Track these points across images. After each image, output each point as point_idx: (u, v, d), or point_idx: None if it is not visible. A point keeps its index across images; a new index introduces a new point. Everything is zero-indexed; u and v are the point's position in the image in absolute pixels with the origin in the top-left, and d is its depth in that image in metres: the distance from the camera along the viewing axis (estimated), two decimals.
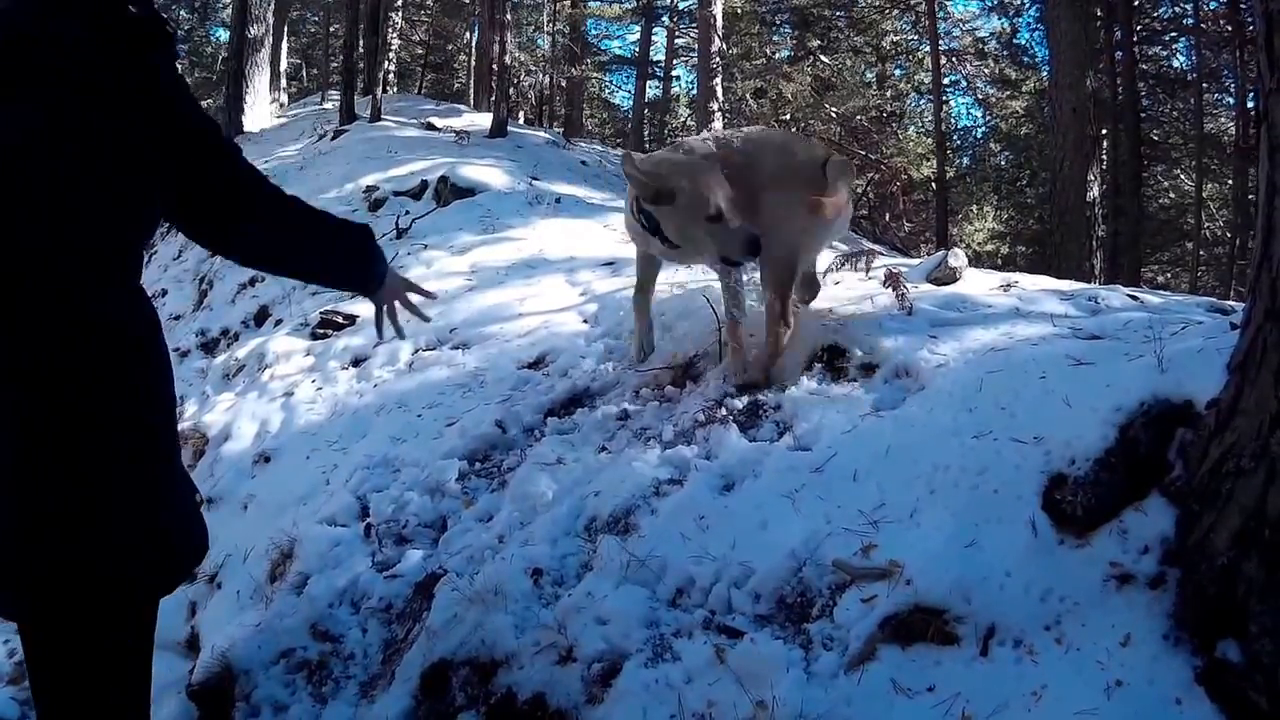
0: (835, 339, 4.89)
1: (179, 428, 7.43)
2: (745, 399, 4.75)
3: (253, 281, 10.90)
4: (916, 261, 6.38)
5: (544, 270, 8.22)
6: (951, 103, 24.36)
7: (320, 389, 7.15)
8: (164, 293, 12.80)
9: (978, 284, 5.57)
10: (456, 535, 4.53)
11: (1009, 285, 5.50)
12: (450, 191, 11.49)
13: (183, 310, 11.98)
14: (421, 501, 4.85)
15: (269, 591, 4.88)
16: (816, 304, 5.41)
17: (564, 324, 6.57)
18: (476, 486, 4.90)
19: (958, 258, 5.72)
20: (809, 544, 3.47)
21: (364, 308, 8.08)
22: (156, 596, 2.60)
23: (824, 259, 6.08)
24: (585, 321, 6.51)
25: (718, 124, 23.88)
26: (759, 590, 3.43)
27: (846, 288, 5.71)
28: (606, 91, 40.61)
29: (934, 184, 20.50)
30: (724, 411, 4.66)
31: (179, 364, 9.93)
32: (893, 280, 5.37)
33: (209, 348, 10.15)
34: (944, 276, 5.61)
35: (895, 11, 23.20)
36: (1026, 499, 3.22)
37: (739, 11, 26.43)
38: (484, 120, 17.69)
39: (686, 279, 6.38)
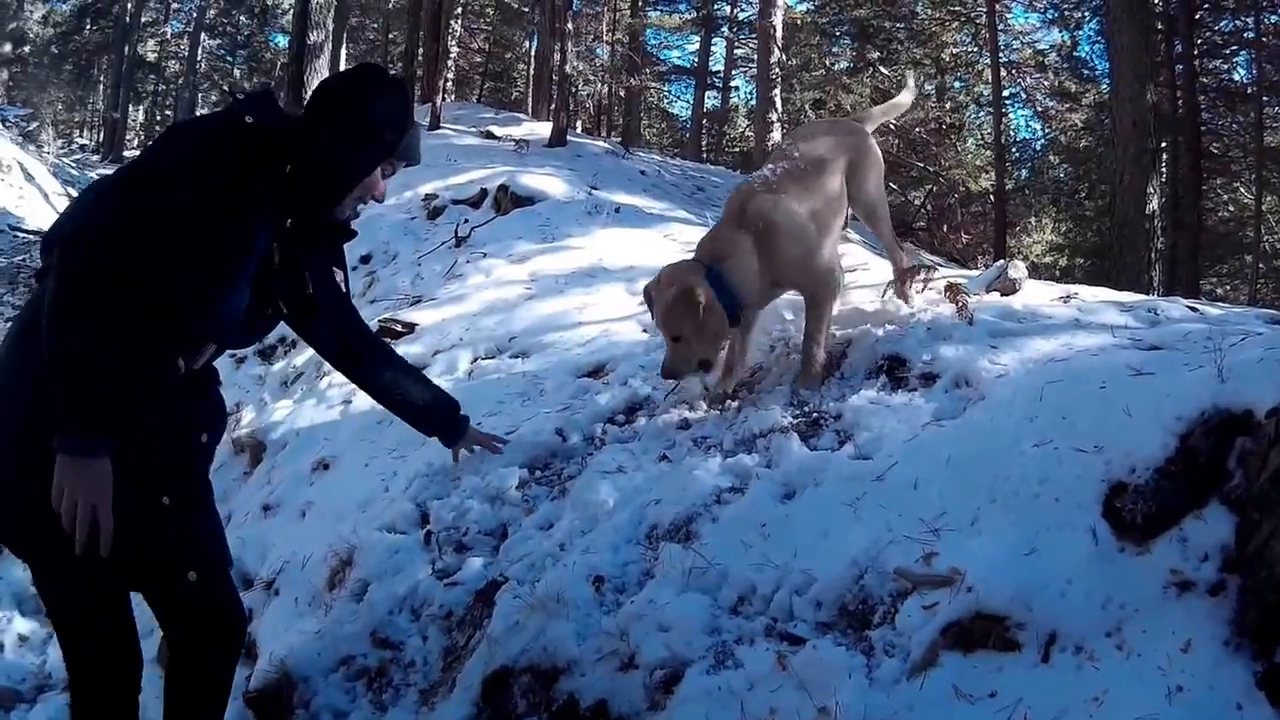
0: (896, 349, 4.89)
1: (240, 433, 7.54)
2: (807, 408, 4.77)
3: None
4: (976, 272, 6.36)
5: (603, 279, 8.24)
6: (1011, 115, 24.20)
7: None
8: None
9: (1037, 295, 5.54)
10: (517, 543, 4.54)
11: (1068, 297, 5.46)
12: (510, 200, 11.52)
13: None
14: (482, 509, 4.85)
15: (328, 599, 4.91)
16: (879, 313, 5.46)
17: (623, 333, 6.60)
18: (537, 494, 4.91)
19: (1017, 269, 5.69)
20: (870, 552, 3.46)
21: (423, 315, 8.14)
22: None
23: (886, 273, 6.09)
24: (645, 331, 6.50)
25: (776, 135, 23.96)
26: (820, 598, 3.42)
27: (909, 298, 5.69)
28: (665, 102, 40.81)
29: (992, 196, 20.39)
30: (785, 420, 4.67)
31: (236, 371, 10.02)
32: (953, 291, 5.37)
33: (266, 355, 10.19)
34: (1004, 287, 5.58)
35: (956, 24, 23.11)
36: (1087, 507, 3.19)
37: (799, 22, 26.43)
38: (543, 129, 17.76)
39: None
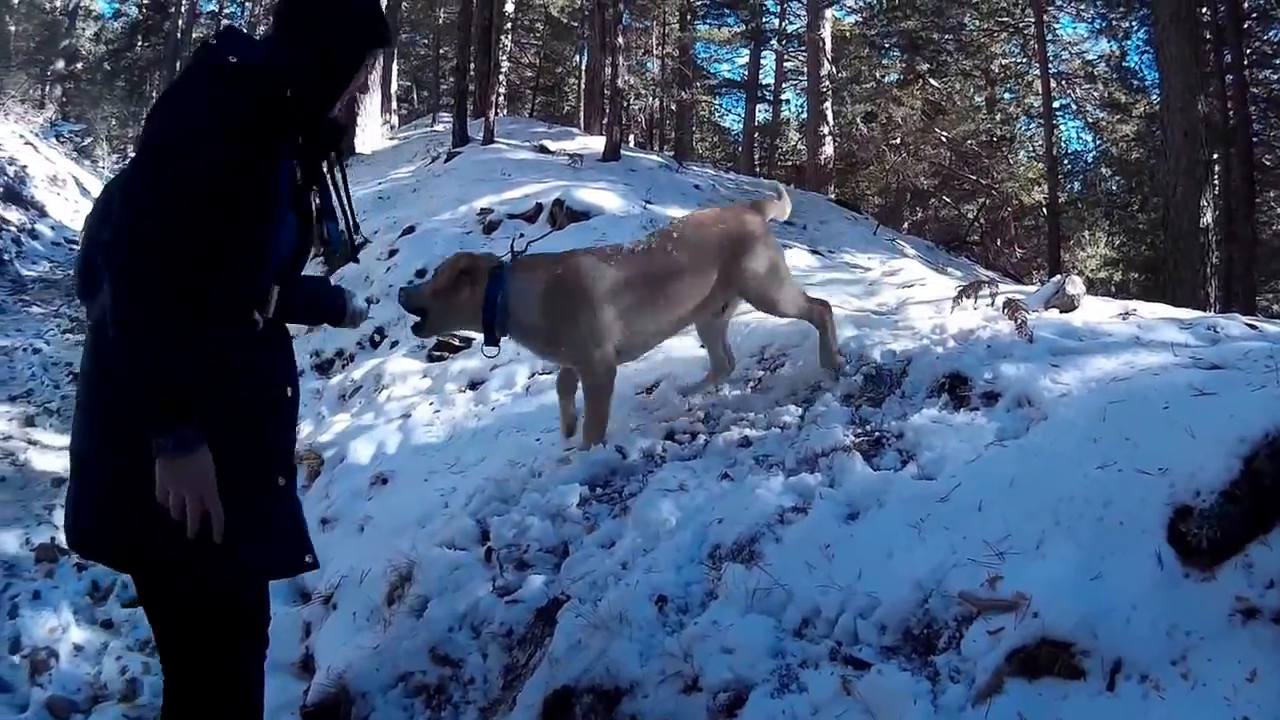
0: (956, 366, 4.90)
1: (297, 447, 7.59)
2: (869, 426, 4.78)
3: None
4: (1034, 288, 6.33)
5: None
6: (1061, 127, 24.08)
7: (438, 411, 7.25)
8: None
9: (1096, 312, 5.52)
10: (579, 561, 4.53)
11: (1127, 313, 5.44)
12: (565, 215, 11.56)
13: (296, 330, 12.11)
14: (543, 526, 4.86)
15: (386, 614, 4.94)
16: (936, 330, 5.46)
17: (682, 348, 6.58)
18: (598, 512, 4.90)
19: (1075, 285, 5.67)
20: (935, 574, 3.45)
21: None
22: None
23: (945, 289, 6.07)
24: (703, 346, 6.50)
25: (828, 148, 23.96)
26: (885, 621, 3.41)
27: (967, 315, 5.69)
28: (716, 115, 40.72)
29: (1045, 209, 20.27)
30: (847, 439, 4.66)
31: None
32: (1012, 308, 5.36)
33: (324, 369, 10.31)
34: (1062, 304, 5.57)
35: (1004, 35, 23.04)
36: (1152, 531, 3.16)
37: (847, 34, 26.47)
38: (596, 143, 17.79)
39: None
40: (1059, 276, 5.94)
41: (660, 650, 3.67)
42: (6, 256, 18.24)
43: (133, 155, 3.06)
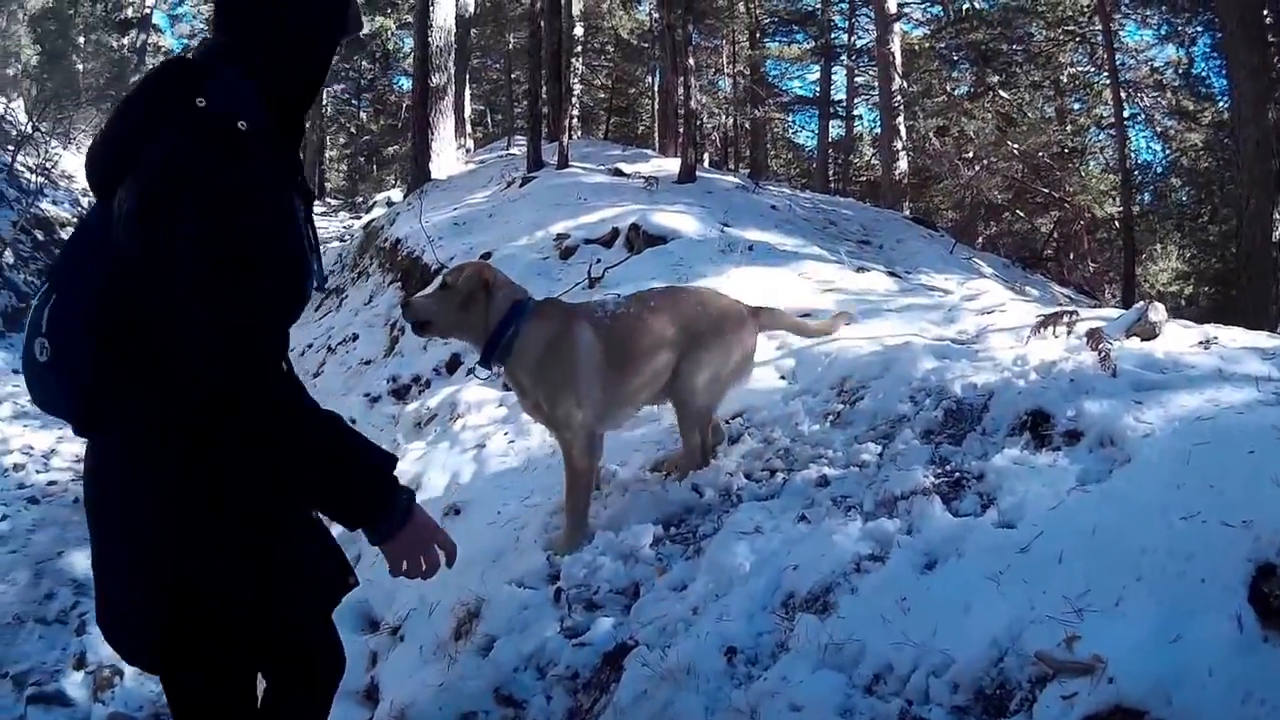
0: (1039, 402, 4.79)
1: None
2: (949, 466, 4.68)
3: None
4: (1116, 314, 6.21)
5: None
6: (1131, 137, 23.83)
7: (513, 442, 7.22)
8: (354, 338, 13.09)
9: (1177, 340, 5.41)
10: (649, 604, 4.47)
11: (1208, 341, 5.32)
12: (642, 239, 11.48)
13: (374, 355, 12.22)
14: (614, 567, 4.82)
15: (453, 650, 4.91)
16: (1018, 361, 5.37)
17: (761, 380, 6.42)
18: (671, 553, 4.86)
19: (1158, 311, 5.56)
20: (1011, 631, 3.35)
21: None
22: None
23: (1025, 315, 5.98)
24: (783, 378, 6.44)
25: (903, 163, 23.86)
26: (958, 680, 3.31)
27: (1048, 345, 5.60)
28: (790, 132, 40.71)
29: (1118, 222, 20.03)
30: (927, 481, 4.57)
31: (370, 409, 10.12)
32: (1095, 339, 5.28)
33: (400, 394, 10.35)
34: (1143, 331, 5.47)
35: (1071, 44, 22.85)
36: (1233, 589, 3.04)
37: (916, 48, 26.41)
38: (671, 165, 17.78)
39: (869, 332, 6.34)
40: (1141, 303, 5.84)
41: (727, 704, 3.60)
42: None
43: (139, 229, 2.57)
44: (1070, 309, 6.23)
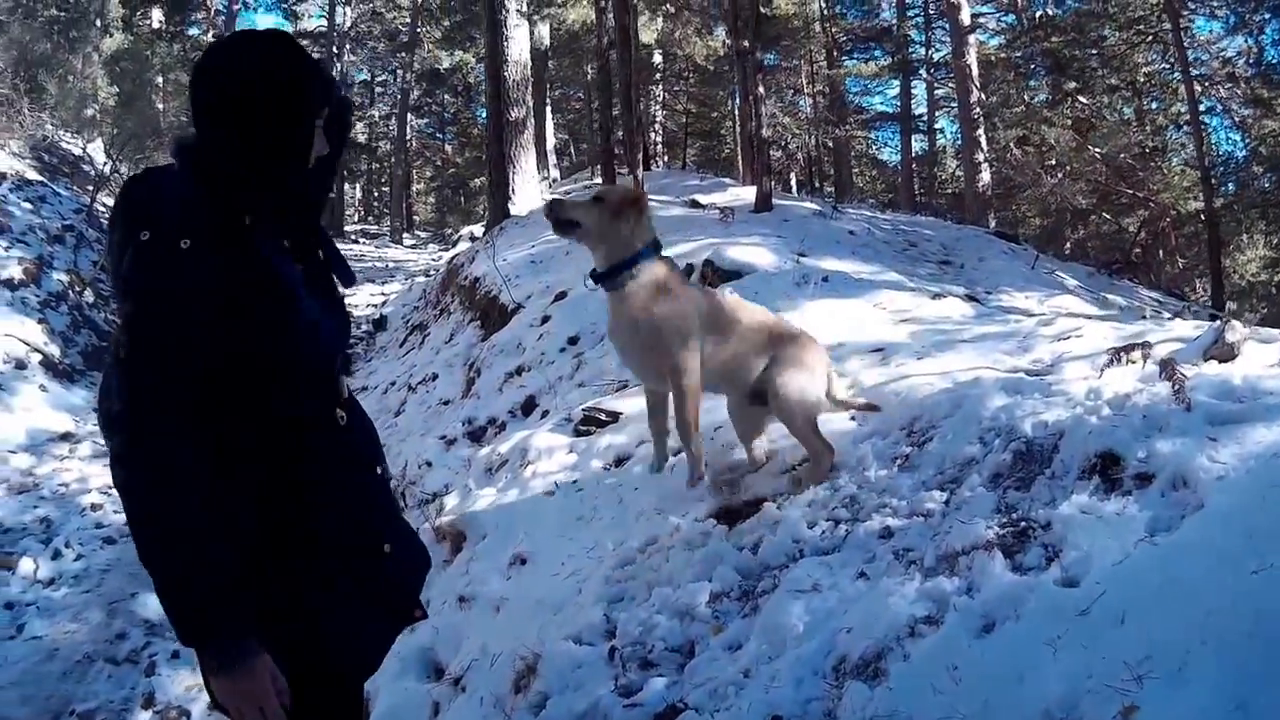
0: (1109, 443, 4.51)
1: (441, 521, 7.58)
2: (1015, 514, 4.45)
3: (519, 370, 11.03)
4: (1194, 331, 5.98)
5: None
6: (1210, 130, 23.59)
7: (581, 490, 7.12)
8: (434, 377, 13.14)
9: (1257, 361, 5.17)
10: (702, 664, 4.38)
11: None
12: (716, 275, 11.26)
13: (452, 396, 12.26)
14: (670, 625, 4.73)
15: (509, 705, 4.88)
16: (1091, 395, 5.16)
17: (830, 420, 6.22)
18: (728, 610, 4.74)
19: (1235, 331, 5.32)
20: (1066, 701, 3.14)
21: (627, 404, 8.02)
22: None
23: (1102, 338, 5.80)
24: (852, 418, 6.25)
25: (985, 175, 23.74)
26: None
27: (1123, 375, 5.37)
28: (874, 148, 40.67)
29: (1202, 217, 19.81)
30: (990, 533, 4.34)
31: (445, 452, 10.09)
32: (1169, 370, 5.04)
33: (475, 437, 10.33)
34: (1221, 353, 5.24)
35: (1144, 43, 22.77)
36: None
37: (993, 59, 26.36)
38: (749, 194, 17.71)
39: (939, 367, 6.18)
40: (1218, 323, 5.61)
41: None
42: None
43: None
44: (1144, 340, 5.96)
